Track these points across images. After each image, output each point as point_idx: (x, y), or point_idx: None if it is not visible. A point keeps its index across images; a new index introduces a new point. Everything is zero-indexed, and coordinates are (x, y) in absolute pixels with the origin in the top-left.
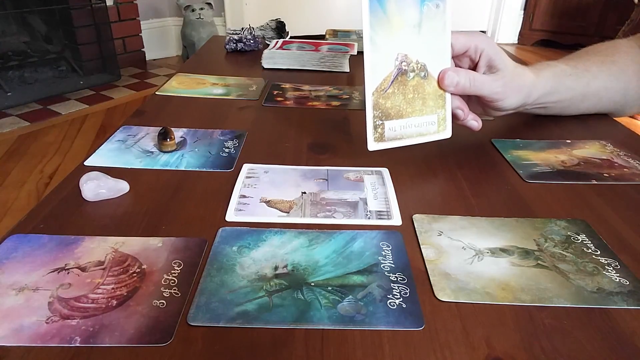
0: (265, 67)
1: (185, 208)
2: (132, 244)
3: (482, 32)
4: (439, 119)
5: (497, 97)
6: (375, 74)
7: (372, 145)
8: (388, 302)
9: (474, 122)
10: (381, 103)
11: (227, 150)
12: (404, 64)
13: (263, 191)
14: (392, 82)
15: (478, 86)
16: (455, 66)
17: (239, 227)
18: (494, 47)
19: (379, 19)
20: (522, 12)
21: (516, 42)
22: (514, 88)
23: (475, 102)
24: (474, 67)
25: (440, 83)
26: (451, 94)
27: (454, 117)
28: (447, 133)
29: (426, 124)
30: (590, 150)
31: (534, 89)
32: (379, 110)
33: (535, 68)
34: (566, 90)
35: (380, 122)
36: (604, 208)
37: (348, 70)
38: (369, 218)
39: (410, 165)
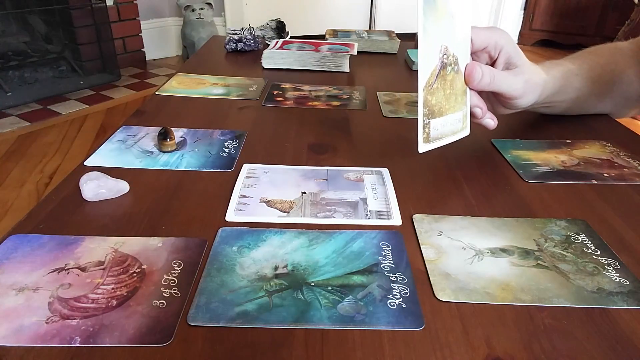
0: (265, 67)
1: (185, 208)
2: (132, 244)
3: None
4: (463, 116)
5: (515, 94)
6: (425, 67)
7: (422, 147)
8: (388, 302)
9: (490, 120)
10: (428, 99)
11: (227, 150)
12: (444, 56)
13: (263, 191)
14: (437, 76)
15: (498, 83)
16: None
17: (239, 227)
18: (513, 44)
19: (430, 6)
20: (522, 12)
21: (516, 42)
22: (532, 86)
23: (485, 98)
24: (491, 63)
25: (467, 78)
26: (471, 90)
27: (472, 115)
28: (467, 131)
29: (456, 121)
30: (590, 150)
31: (545, 87)
32: (427, 108)
33: (544, 66)
34: (572, 90)
35: (428, 120)
36: (604, 208)
37: (348, 70)
38: (369, 218)
39: (410, 165)
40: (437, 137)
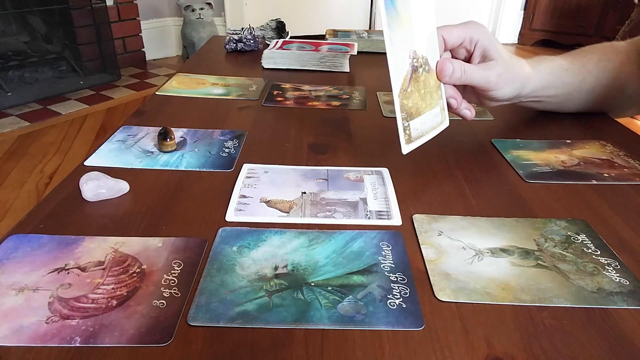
0: (265, 67)
1: (185, 208)
2: (132, 244)
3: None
4: (440, 109)
5: (489, 86)
6: (397, 75)
7: (406, 148)
8: (388, 302)
9: (467, 111)
10: (404, 104)
11: (227, 150)
12: (414, 60)
13: (263, 191)
14: (410, 80)
15: (469, 76)
16: (452, 58)
17: (239, 227)
18: (488, 37)
19: (393, 17)
20: (522, 12)
21: (516, 42)
22: (508, 78)
23: (470, 91)
24: (469, 56)
25: (439, 74)
26: (445, 83)
27: (448, 106)
28: (446, 122)
29: (434, 116)
30: (590, 150)
31: (528, 81)
32: (404, 112)
33: (532, 61)
34: (562, 86)
35: (407, 123)
36: (604, 208)
37: (348, 70)
38: (369, 218)
39: (410, 165)
40: (419, 135)
